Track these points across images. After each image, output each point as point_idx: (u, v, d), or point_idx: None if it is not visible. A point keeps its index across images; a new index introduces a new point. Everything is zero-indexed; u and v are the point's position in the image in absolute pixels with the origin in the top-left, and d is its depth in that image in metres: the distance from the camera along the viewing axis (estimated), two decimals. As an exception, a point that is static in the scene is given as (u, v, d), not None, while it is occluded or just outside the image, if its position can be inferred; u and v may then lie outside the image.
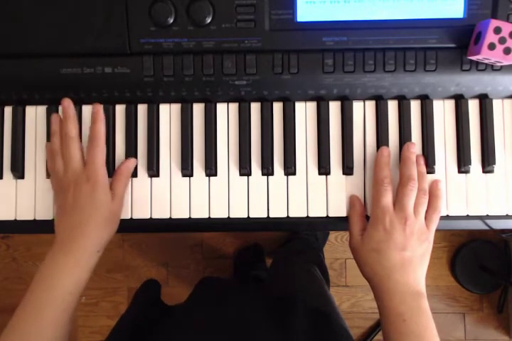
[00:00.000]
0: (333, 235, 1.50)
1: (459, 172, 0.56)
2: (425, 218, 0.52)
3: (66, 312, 0.48)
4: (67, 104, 0.54)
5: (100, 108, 0.54)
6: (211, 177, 0.57)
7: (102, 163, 0.53)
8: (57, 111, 0.57)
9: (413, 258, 0.50)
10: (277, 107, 0.57)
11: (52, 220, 0.55)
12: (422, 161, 0.55)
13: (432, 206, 0.53)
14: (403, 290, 0.49)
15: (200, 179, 0.57)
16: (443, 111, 0.57)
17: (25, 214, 0.57)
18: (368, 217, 0.55)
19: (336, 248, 1.50)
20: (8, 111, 0.58)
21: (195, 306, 0.65)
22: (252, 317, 0.58)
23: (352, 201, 0.55)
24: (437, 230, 0.53)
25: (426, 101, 0.56)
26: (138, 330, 0.56)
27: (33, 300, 0.48)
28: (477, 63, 0.54)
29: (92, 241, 0.51)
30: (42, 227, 0.57)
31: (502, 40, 0.50)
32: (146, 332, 0.56)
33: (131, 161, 0.56)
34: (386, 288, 0.50)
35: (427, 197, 0.52)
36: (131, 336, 0.55)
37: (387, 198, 0.51)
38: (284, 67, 0.55)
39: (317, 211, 0.56)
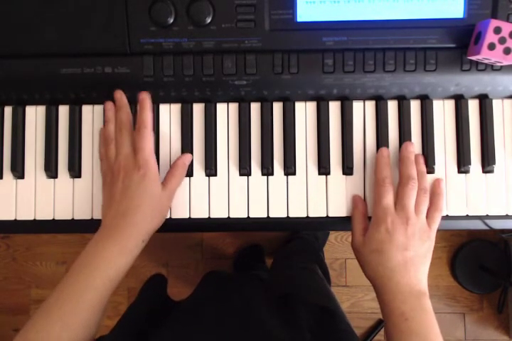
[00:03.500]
0: (333, 235, 1.50)
1: (459, 172, 0.56)
2: (427, 217, 0.52)
3: (104, 298, 0.48)
4: (120, 96, 0.55)
5: (147, 95, 0.54)
6: (211, 177, 0.57)
7: (152, 151, 0.53)
8: (57, 112, 0.57)
9: (415, 257, 0.50)
10: (277, 107, 0.57)
11: (52, 220, 0.55)
12: (421, 160, 0.55)
13: (433, 204, 0.53)
14: (405, 290, 0.49)
15: (200, 179, 0.56)
16: (443, 111, 0.57)
17: (25, 214, 0.56)
18: (369, 218, 0.54)
19: (336, 248, 1.50)
20: (8, 111, 0.58)
21: (201, 300, 0.65)
22: (259, 312, 0.57)
23: (355, 201, 0.55)
24: (437, 230, 0.53)
25: (426, 101, 0.56)
26: (143, 324, 0.56)
27: (74, 283, 0.47)
28: (477, 63, 0.54)
29: (138, 230, 0.50)
30: (42, 227, 0.57)
31: (502, 40, 0.50)
32: (151, 327, 0.56)
33: (187, 156, 0.56)
34: (388, 288, 0.49)
35: (427, 195, 0.53)
36: (136, 330, 0.55)
37: (388, 198, 0.52)
38: (284, 67, 0.55)
39: (317, 211, 0.56)
